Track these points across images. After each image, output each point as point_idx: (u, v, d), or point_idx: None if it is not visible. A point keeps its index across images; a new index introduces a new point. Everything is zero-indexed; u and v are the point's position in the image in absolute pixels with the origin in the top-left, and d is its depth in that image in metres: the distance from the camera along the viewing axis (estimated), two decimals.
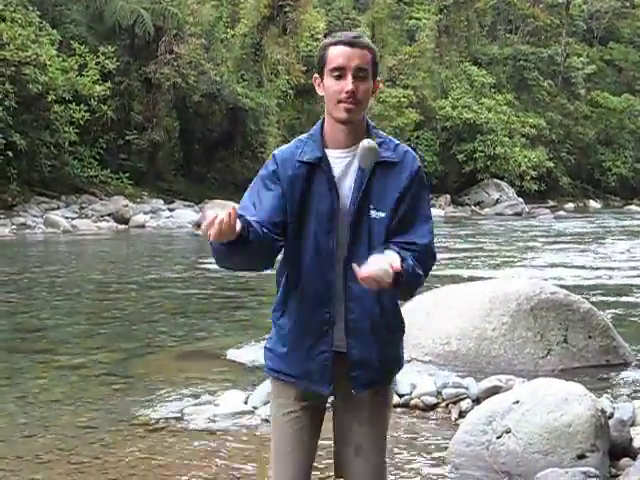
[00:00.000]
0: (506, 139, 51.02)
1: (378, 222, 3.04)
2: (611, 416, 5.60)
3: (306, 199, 3.07)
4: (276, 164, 3.11)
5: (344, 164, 3.08)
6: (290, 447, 3.18)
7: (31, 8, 30.61)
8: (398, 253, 2.92)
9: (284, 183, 3.07)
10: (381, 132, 3.17)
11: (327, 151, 3.08)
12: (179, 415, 6.66)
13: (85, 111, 30.25)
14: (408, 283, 2.96)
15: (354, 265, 2.83)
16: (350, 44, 3.01)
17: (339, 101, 3.01)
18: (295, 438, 3.18)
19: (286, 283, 3.18)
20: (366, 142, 2.96)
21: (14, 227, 25.85)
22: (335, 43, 3.03)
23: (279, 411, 3.24)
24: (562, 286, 9.12)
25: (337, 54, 3.01)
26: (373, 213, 3.04)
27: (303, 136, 3.18)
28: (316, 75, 3.12)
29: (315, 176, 3.07)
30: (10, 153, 27.46)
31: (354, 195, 3.05)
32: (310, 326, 3.12)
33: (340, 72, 3.01)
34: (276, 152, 3.16)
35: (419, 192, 3.12)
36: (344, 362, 3.12)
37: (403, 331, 3.28)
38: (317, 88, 3.13)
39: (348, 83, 2.99)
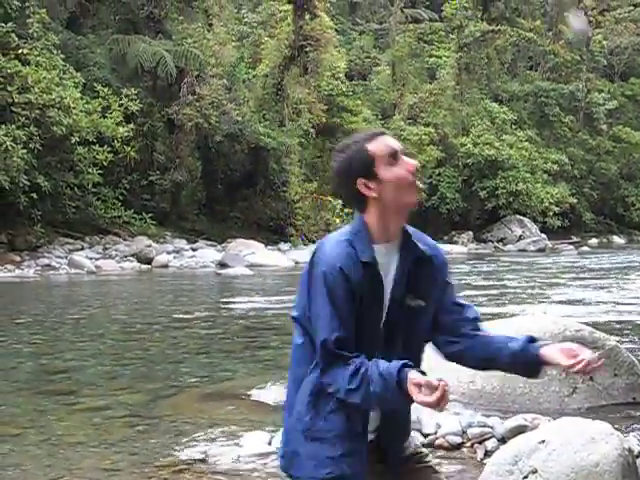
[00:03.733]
0: (528, 175, 50.95)
1: (420, 312, 3.12)
2: (639, 455, 5.54)
3: (363, 299, 3.02)
4: (343, 273, 2.95)
5: (387, 258, 3.07)
6: None
7: (55, 52, 30.96)
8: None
9: (355, 289, 2.98)
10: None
11: (374, 247, 3.05)
12: (203, 457, 6.64)
13: (108, 152, 30.47)
14: None
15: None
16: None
17: (410, 184, 3.03)
18: None
19: None
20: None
21: (38, 268, 25.99)
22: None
23: None
24: (587, 323, 9.05)
25: (385, 142, 3.03)
26: (413, 303, 3.09)
27: (343, 236, 3.06)
28: (361, 180, 3.02)
29: (369, 276, 3.01)
30: (35, 195, 27.69)
31: (397, 287, 3.07)
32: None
33: (395, 156, 3.02)
34: (335, 262, 2.97)
35: (450, 280, 3.26)
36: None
37: None
38: (366, 192, 3.02)
39: (410, 160, 3.04)
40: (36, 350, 12.37)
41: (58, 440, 7.36)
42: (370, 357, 2.96)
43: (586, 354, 2.91)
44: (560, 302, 17.46)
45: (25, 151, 26.89)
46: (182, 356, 11.67)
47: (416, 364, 2.98)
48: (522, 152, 52.15)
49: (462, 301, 3.26)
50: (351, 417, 3.03)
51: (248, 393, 8.92)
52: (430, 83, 52.90)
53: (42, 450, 7.05)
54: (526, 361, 3.05)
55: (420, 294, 3.10)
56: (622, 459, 5.13)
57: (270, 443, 6.83)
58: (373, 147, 2.99)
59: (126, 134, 31.24)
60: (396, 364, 2.87)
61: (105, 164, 30.56)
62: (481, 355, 3.15)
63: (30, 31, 30.03)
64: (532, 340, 3.07)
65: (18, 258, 26.92)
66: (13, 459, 6.78)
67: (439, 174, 48.95)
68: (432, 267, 3.14)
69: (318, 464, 3.04)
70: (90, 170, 30.30)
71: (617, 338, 9.46)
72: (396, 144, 3.03)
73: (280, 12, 44.21)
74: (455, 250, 40.53)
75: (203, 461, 6.57)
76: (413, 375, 2.81)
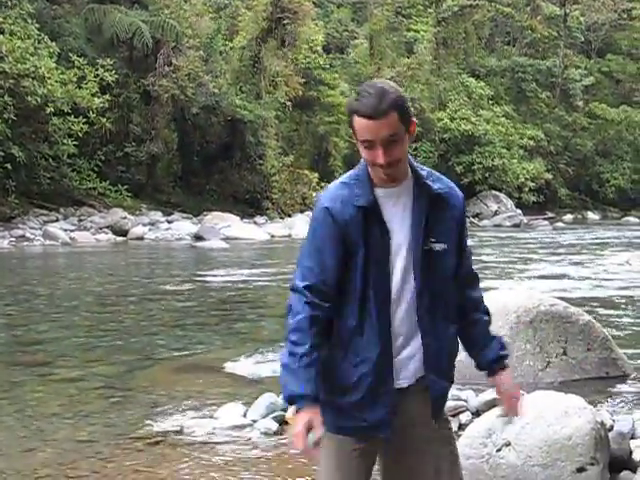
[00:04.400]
0: (504, 151, 51.10)
1: (442, 254, 3.05)
2: (611, 429, 5.59)
3: (363, 244, 2.97)
4: (330, 214, 2.98)
5: (393, 201, 3.02)
6: None
7: (30, 21, 30.67)
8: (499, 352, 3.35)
9: (342, 230, 2.97)
10: (422, 166, 3.15)
11: (376, 190, 3.01)
12: (178, 429, 6.64)
13: (84, 123, 30.29)
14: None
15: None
16: (373, 116, 2.88)
17: (374, 165, 2.97)
18: None
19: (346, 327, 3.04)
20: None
21: (13, 239, 25.84)
22: (359, 114, 2.91)
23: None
24: (561, 298, 9.10)
25: (363, 128, 2.91)
26: (436, 246, 3.04)
27: (346, 178, 3.07)
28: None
29: (369, 220, 2.98)
30: (9, 165, 27.51)
31: (414, 231, 3.01)
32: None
33: (369, 143, 2.93)
34: (325, 202, 3.02)
35: (465, 222, 3.21)
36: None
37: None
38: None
39: (379, 155, 2.92)
40: (10, 321, 12.31)
41: (32, 411, 7.34)
42: (382, 305, 2.98)
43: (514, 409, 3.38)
44: (535, 277, 17.56)
45: None
46: (157, 328, 11.66)
47: (447, 313, 3.11)
48: (499, 127, 52.28)
49: (473, 269, 3.29)
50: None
51: (223, 366, 8.92)
52: (408, 57, 52.80)
53: (16, 421, 7.04)
54: (483, 369, 3.36)
55: (441, 236, 3.05)
56: (595, 432, 5.16)
57: (245, 415, 6.84)
58: (357, 124, 2.95)
59: (101, 105, 31.04)
60: (302, 384, 2.86)
61: (80, 135, 30.39)
62: (461, 340, 3.29)
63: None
64: (500, 359, 3.33)
65: None
66: None
67: (415, 149, 48.94)
68: (449, 206, 3.09)
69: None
70: (65, 141, 30.12)
71: (591, 312, 9.52)
72: (375, 136, 2.91)
73: None
74: None
75: (178, 433, 6.57)
76: (305, 418, 2.82)
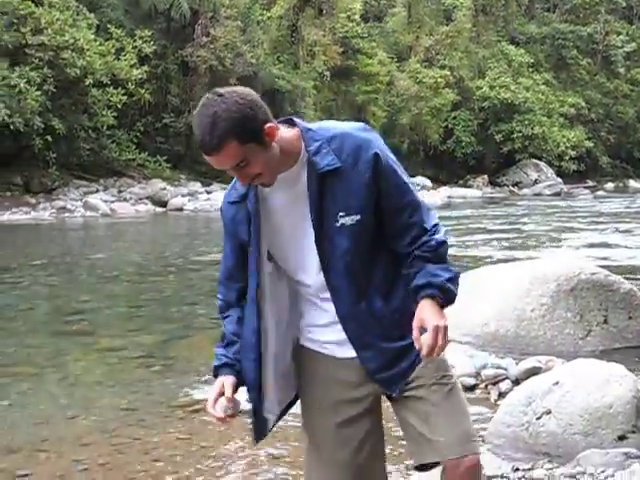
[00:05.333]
0: (544, 119, 50.61)
1: (355, 226, 2.81)
2: None
3: (253, 237, 2.90)
4: (223, 214, 3.03)
5: (286, 185, 2.82)
6: None
7: None
8: (427, 284, 2.79)
9: (230, 229, 3.02)
10: (320, 129, 2.85)
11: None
12: None
13: (122, 95, 30.40)
14: (449, 291, 2.82)
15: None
16: (208, 153, 2.65)
17: None
18: None
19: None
20: None
21: (53, 211, 26.07)
22: (200, 148, 2.68)
23: None
24: (602, 266, 9.03)
25: (207, 159, 2.71)
26: (345, 220, 2.80)
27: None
28: None
29: (255, 210, 2.87)
30: (49, 137, 27.68)
31: (313, 210, 2.80)
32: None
33: None
34: (222, 204, 3.06)
35: (387, 176, 2.82)
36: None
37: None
38: None
39: (237, 179, 2.81)
40: (52, 291, 12.45)
41: (75, 380, 7.44)
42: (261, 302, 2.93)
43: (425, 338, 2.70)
44: (576, 246, 17.42)
45: (39, 93, 26.84)
46: (197, 298, 11.72)
47: (380, 288, 2.88)
48: (539, 95, 51.76)
49: (411, 219, 2.86)
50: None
51: None
52: (446, 25, 52.32)
53: (60, 389, 7.13)
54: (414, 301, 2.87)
55: (350, 209, 2.79)
56: (636, 401, 5.14)
57: None
58: None
59: (140, 76, 31.13)
60: (219, 357, 3.00)
61: (119, 106, 30.50)
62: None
63: None
64: (422, 287, 2.80)
65: (33, 200, 27.02)
66: (31, 398, 6.86)
67: (454, 117, 48.69)
68: (349, 176, 2.78)
69: None
70: (104, 112, 30.25)
71: (632, 281, 9.44)
72: (220, 168, 2.74)
73: None
74: (470, 194, 40.45)
75: None
76: (218, 383, 2.95)
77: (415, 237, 2.85)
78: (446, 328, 2.72)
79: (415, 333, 2.71)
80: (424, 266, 2.82)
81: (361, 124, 2.92)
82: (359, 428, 3.02)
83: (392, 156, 2.88)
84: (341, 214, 2.79)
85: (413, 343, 2.74)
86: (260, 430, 3.06)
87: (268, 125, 2.68)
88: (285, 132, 2.80)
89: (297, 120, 2.88)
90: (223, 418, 2.89)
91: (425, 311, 2.74)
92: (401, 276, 2.90)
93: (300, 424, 3.18)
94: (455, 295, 2.86)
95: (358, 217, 2.80)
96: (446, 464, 2.91)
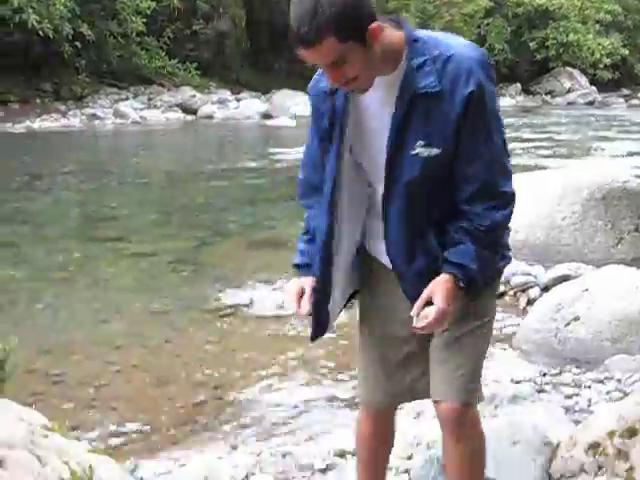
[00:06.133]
0: (579, 25, 49.56)
1: (430, 160, 2.56)
2: None
3: (336, 136, 2.66)
4: (310, 100, 2.77)
5: (380, 95, 2.58)
6: None
7: None
8: (454, 265, 2.61)
9: (315, 117, 2.76)
10: (429, 42, 2.55)
11: None
12: (248, 302, 6.75)
13: (151, 0, 30.07)
14: (474, 286, 2.64)
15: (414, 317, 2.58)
16: (302, 46, 2.40)
17: None
18: None
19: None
20: None
21: (84, 118, 26.04)
22: (293, 38, 2.42)
23: None
24: (635, 176, 8.93)
25: (299, 52, 2.46)
26: (422, 150, 2.56)
27: None
28: None
29: (342, 109, 2.63)
30: (78, 44, 27.51)
31: (393, 131, 2.57)
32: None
33: None
34: (309, 89, 2.77)
35: (476, 119, 2.54)
36: None
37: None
38: None
39: (329, 76, 2.51)
40: (83, 198, 12.52)
41: (106, 285, 7.53)
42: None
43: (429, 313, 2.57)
44: (609, 155, 17.24)
45: None
46: (227, 205, 11.74)
47: (438, 224, 2.67)
48: (574, 1, 50.62)
49: (479, 172, 2.60)
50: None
51: (293, 241, 8.97)
52: None
53: (91, 293, 7.22)
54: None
55: (431, 139, 2.55)
56: None
57: None
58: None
59: None
60: (302, 254, 2.88)
61: (148, 13, 30.19)
62: None
63: None
64: (452, 264, 2.61)
65: (63, 107, 26.97)
66: (64, 301, 6.96)
67: (487, 24, 47.74)
68: (442, 105, 2.52)
69: None
70: (133, 18, 29.94)
71: None
72: (313, 62, 2.47)
73: None
74: (503, 103, 39.95)
75: (248, 306, 6.68)
76: (299, 283, 2.81)
77: (475, 195, 2.60)
78: (450, 314, 2.60)
79: (420, 302, 2.59)
80: (467, 243, 2.62)
81: (473, 45, 2.62)
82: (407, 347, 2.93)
83: (492, 96, 2.58)
84: (420, 143, 2.55)
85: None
86: (320, 326, 2.90)
87: (374, 24, 2.41)
88: (390, 35, 2.52)
89: (406, 24, 2.60)
90: (307, 313, 2.79)
91: (442, 288, 2.59)
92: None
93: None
94: (477, 290, 2.67)
95: (438, 151, 2.55)
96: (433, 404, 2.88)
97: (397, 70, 2.54)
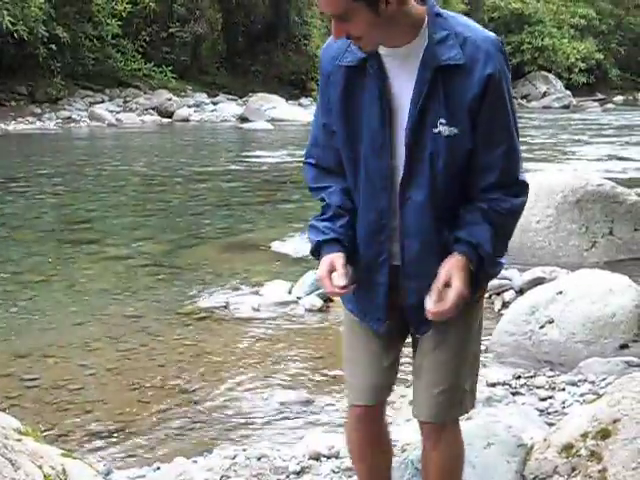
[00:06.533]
0: (555, 30, 49.87)
1: (450, 140, 2.45)
2: None
3: (353, 112, 2.55)
4: (322, 67, 2.63)
5: (397, 65, 2.48)
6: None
7: None
8: (469, 245, 2.48)
9: (328, 90, 2.61)
10: (450, 19, 2.49)
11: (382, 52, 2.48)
12: (224, 304, 6.75)
13: (127, 3, 29.98)
14: (485, 271, 2.58)
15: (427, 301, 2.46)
16: None
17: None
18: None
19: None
20: None
21: (59, 120, 25.93)
22: None
23: None
24: (609, 179, 9.00)
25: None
26: (443, 129, 2.45)
27: None
28: None
29: (362, 83, 2.52)
30: (53, 46, 27.38)
31: (413, 107, 2.46)
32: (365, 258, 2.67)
33: None
34: (322, 50, 2.66)
35: (494, 103, 2.45)
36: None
37: None
38: None
39: (332, 29, 2.45)
40: (58, 201, 12.46)
41: (82, 287, 7.50)
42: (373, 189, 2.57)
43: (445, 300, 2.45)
44: (583, 158, 17.34)
45: (42, 0, 26.46)
46: (203, 208, 11.73)
47: (453, 206, 2.54)
48: (549, 6, 50.93)
49: (496, 161, 2.50)
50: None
51: (268, 245, 8.99)
52: None
53: (66, 297, 7.19)
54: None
55: (450, 118, 2.44)
56: (638, 311, 5.17)
57: (290, 292, 6.93)
58: None
59: None
60: (325, 231, 2.63)
61: (124, 15, 30.10)
62: None
63: None
64: (469, 245, 2.49)
65: (39, 110, 26.85)
66: (38, 305, 6.93)
67: None
68: (463, 81, 2.42)
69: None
70: (109, 21, 29.85)
71: (639, 193, 9.40)
72: (324, 10, 2.40)
73: None
74: None
75: (224, 309, 6.68)
76: (327, 260, 2.57)
77: (494, 184, 2.51)
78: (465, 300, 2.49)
79: (439, 283, 2.45)
80: (482, 224, 2.50)
81: (494, 35, 2.55)
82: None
83: (509, 83, 2.51)
84: (442, 121, 2.44)
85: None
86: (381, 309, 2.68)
87: None
88: (414, 6, 2.44)
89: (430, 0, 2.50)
90: (345, 287, 2.52)
91: (458, 268, 2.47)
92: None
93: None
94: (478, 284, 2.61)
95: (456, 131, 2.44)
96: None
97: (413, 42, 2.46)
